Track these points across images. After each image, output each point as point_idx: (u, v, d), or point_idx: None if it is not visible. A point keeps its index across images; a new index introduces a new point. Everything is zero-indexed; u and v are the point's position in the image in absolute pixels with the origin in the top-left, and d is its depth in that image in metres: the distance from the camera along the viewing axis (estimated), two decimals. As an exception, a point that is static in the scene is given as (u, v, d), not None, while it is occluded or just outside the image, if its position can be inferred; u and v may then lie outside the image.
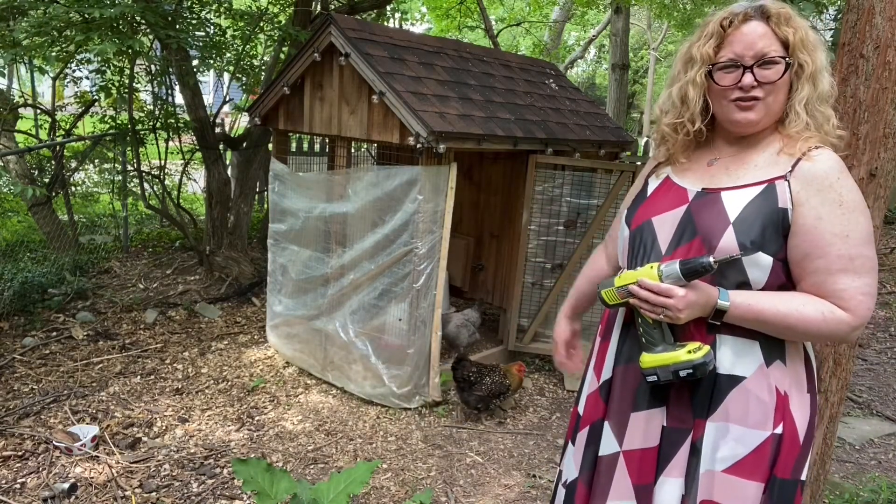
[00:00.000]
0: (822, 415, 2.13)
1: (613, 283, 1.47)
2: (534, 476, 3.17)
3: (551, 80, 4.97)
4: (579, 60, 18.68)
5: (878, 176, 1.98)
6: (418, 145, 3.34)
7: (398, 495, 2.93)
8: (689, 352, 1.36)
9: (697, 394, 1.41)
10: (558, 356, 1.87)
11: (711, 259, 1.31)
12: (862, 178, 1.94)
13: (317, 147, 6.04)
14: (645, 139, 6.50)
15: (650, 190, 1.58)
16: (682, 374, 1.35)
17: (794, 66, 1.38)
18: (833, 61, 1.96)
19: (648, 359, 1.40)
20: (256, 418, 3.56)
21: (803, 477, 1.43)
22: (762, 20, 1.39)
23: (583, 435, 1.60)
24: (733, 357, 1.39)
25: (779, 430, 1.39)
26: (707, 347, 1.37)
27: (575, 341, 1.86)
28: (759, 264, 1.36)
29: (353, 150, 4.19)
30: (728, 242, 1.35)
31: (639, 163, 4.90)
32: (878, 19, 1.91)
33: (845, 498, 2.93)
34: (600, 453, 1.54)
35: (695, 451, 1.41)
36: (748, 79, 1.37)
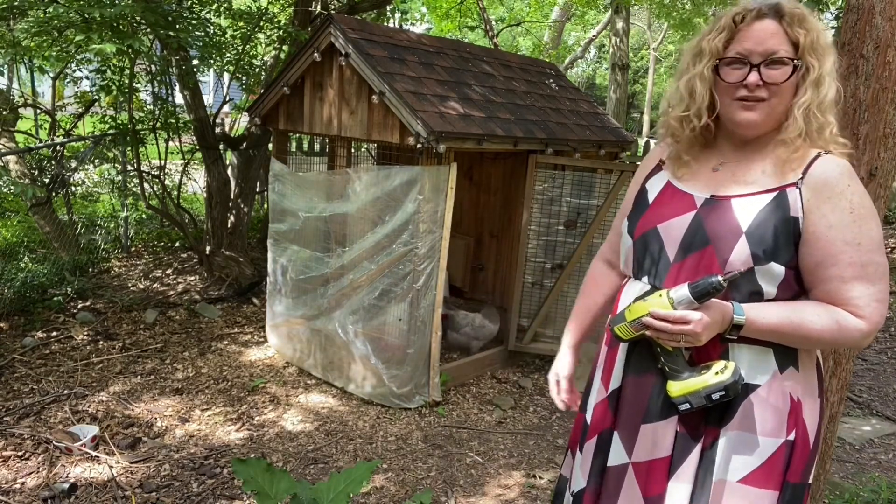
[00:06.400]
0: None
1: (625, 317, 1.40)
2: (534, 476, 3.18)
3: (551, 80, 4.97)
4: (579, 60, 18.67)
5: (878, 176, 1.99)
6: (418, 145, 3.34)
7: (398, 495, 2.93)
8: (717, 373, 1.32)
9: None
10: (561, 394, 1.73)
11: (720, 278, 1.28)
12: (862, 178, 1.94)
13: (317, 147, 6.04)
14: (645, 139, 6.50)
15: (651, 197, 1.53)
16: (715, 397, 1.32)
17: (801, 68, 1.34)
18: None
19: (677, 387, 1.36)
20: (256, 418, 3.56)
21: (810, 480, 1.42)
22: (775, 19, 1.35)
23: (591, 444, 1.56)
24: (747, 365, 1.37)
25: (791, 436, 1.37)
26: (733, 364, 1.34)
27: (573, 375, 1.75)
28: (773, 274, 1.33)
29: (353, 150, 4.19)
30: (741, 252, 1.32)
31: (638, 163, 4.90)
32: (878, 19, 1.91)
33: (845, 498, 2.93)
34: (609, 464, 1.50)
35: (704, 460, 1.39)
36: (753, 77, 1.33)
